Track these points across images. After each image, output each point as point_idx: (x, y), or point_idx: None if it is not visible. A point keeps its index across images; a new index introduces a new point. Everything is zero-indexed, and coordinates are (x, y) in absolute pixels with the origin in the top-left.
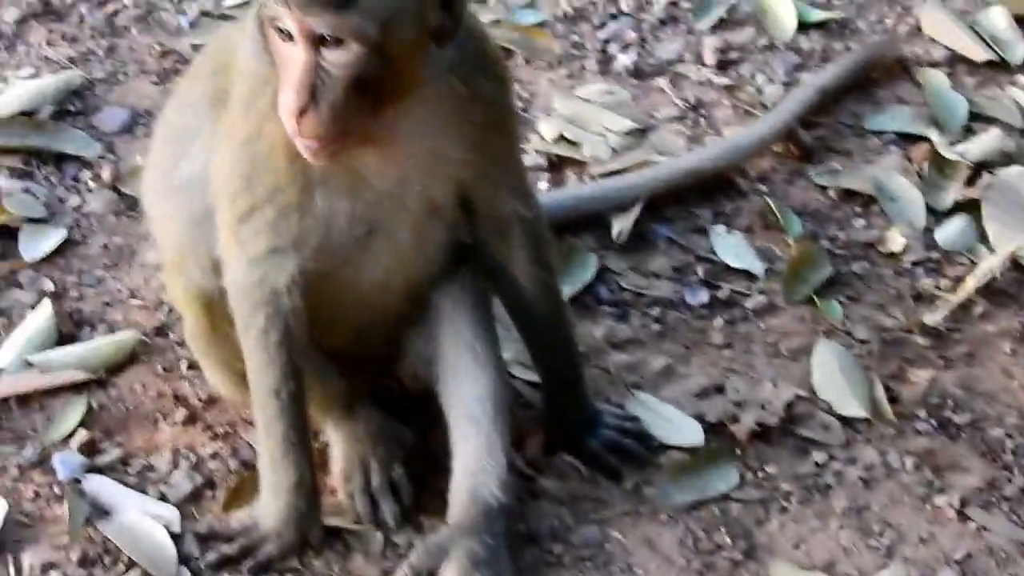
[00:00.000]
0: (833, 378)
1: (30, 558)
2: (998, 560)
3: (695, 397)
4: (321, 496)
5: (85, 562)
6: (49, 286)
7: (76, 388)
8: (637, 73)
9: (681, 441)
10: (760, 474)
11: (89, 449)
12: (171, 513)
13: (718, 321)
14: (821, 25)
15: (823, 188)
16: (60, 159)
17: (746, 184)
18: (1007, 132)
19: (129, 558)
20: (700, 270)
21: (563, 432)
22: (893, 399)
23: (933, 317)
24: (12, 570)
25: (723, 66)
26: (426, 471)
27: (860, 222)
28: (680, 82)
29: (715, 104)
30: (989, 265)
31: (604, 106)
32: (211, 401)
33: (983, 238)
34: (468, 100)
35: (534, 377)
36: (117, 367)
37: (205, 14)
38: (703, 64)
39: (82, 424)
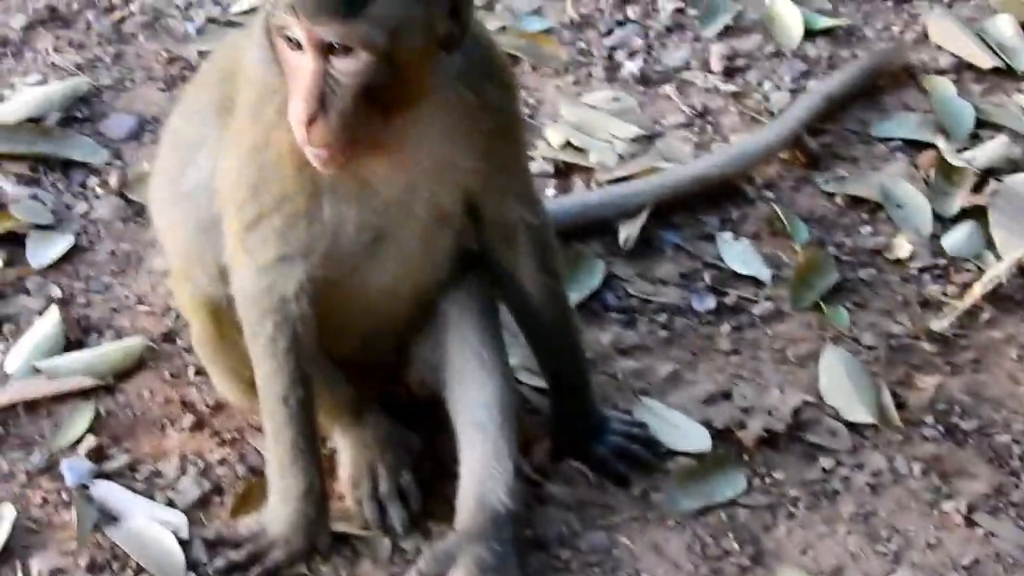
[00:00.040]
0: (840, 384)
1: (38, 564)
2: (1005, 566)
3: (702, 403)
4: (329, 502)
5: (93, 568)
6: (56, 292)
7: (84, 394)
8: (644, 80)
9: (688, 447)
10: (767, 480)
11: (97, 455)
12: (179, 519)
13: (725, 327)
14: (828, 32)
15: (830, 195)
16: (67, 166)
17: (753, 191)
18: (1014, 139)
19: (137, 564)
20: (707, 277)
21: (570, 438)
22: (900, 405)
23: (940, 323)
24: None
25: (730, 73)
26: (434, 477)
27: (867, 229)
28: (687, 89)
29: (722, 111)
30: (996, 271)
31: (611, 113)
32: (219, 407)
33: (990, 245)
34: (476, 107)
35: (541, 383)
36: (125, 373)
37: (212, 21)
38: (710, 71)
39: (90, 430)
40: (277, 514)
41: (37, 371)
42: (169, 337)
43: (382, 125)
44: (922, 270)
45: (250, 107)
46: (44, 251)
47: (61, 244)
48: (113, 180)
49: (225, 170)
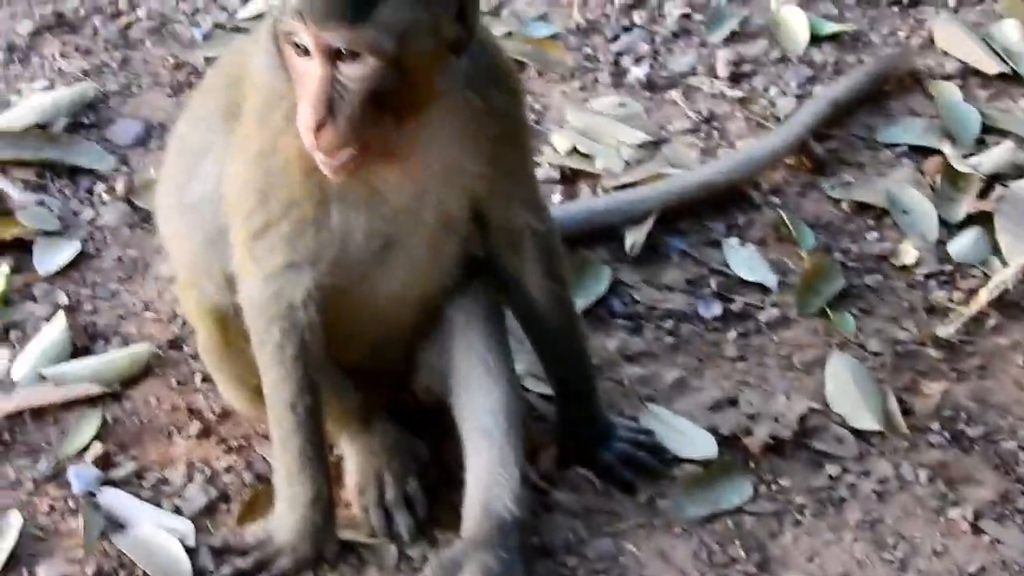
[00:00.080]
0: (846, 391)
1: (45, 572)
2: (1011, 573)
3: (708, 410)
4: (336, 510)
5: (100, 575)
6: (63, 299)
7: (91, 401)
8: (650, 86)
9: (695, 454)
10: (774, 487)
11: (104, 462)
12: (185, 526)
13: (731, 334)
14: (834, 38)
15: (836, 201)
16: (74, 172)
17: (759, 197)
18: (1020, 144)
19: (144, 572)
20: (713, 283)
21: (577, 445)
22: (906, 412)
23: (946, 330)
24: None
25: (736, 79)
26: (440, 484)
27: (873, 235)
28: (693, 95)
29: (728, 117)
30: (1002, 277)
31: (617, 119)
32: (225, 414)
33: (996, 250)
34: (483, 113)
35: (548, 390)
36: (131, 380)
37: (219, 26)
38: (716, 77)
39: (97, 437)
40: (284, 521)
41: (44, 378)
42: (176, 344)
43: (391, 130)
44: (928, 276)
45: (257, 113)
46: (51, 258)
47: (68, 251)
48: (120, 186)
49: (232, 177)
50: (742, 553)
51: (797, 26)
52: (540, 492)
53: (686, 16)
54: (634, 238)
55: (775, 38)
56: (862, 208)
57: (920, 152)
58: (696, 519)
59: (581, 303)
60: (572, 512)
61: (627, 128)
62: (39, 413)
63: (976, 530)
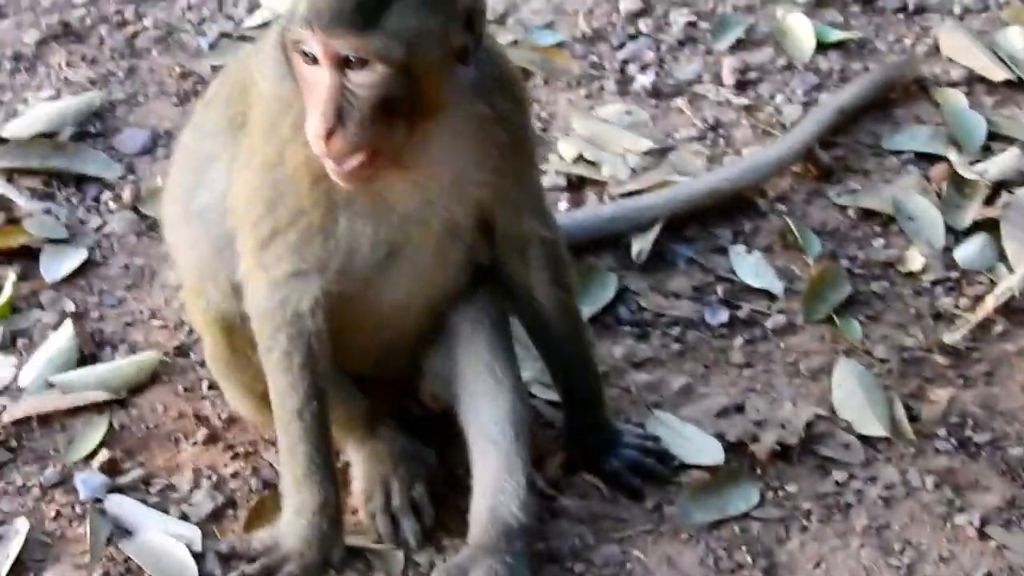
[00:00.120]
0: (853, 397)
1: None
2: None
3: (715, 416)
4: (343, 516)
5: None
6: (70, 307)
7: (98, 408)
8: (656, 93)
9: (701, 460)
10: (780, 493)
11: (111, 469)
12: (192, 532)
13: (738, 341)
14: (839, 45)
15: (842, 208)
16: (81, 180)
17: (765, 204)
18: None
19: None
20: (720, 290)
21: (583, 451)
22: (913, 418)
23: (952, 336)
24: None
25: (742, 86)
26: (447, 491)
27: (879, 241)
28: (699, 102)
29: (734, 124)
30: (1008, 284)
31: (623, 126)
32: (232, 421)
33: (1002, 257)
34: (489, 121)
35: (554, 396)
36: (138, 387)
37: (225, 35)
38: (722, 84)
39: (103, 444)
40: (291, 528)
41: (51, 385)
42: (182, 351)
43: (400, 138)
44: (935, 283)
45: (264, 122)
46: (58, 265)
47: (75, 258)
48: (126, 194)
49: (239, 186)
50: (749, 559)
51: (803, 34)
52: (547, 498)
53: (692, 24)
54: (640, 245)
55: (781, 46)
56: (868, 215)
57: (926, 159)
58: (703, 525)
59: (588, 310)
60: (579, 518)
61: (633, 136)
62: (46, 420)
63: (983, 536)
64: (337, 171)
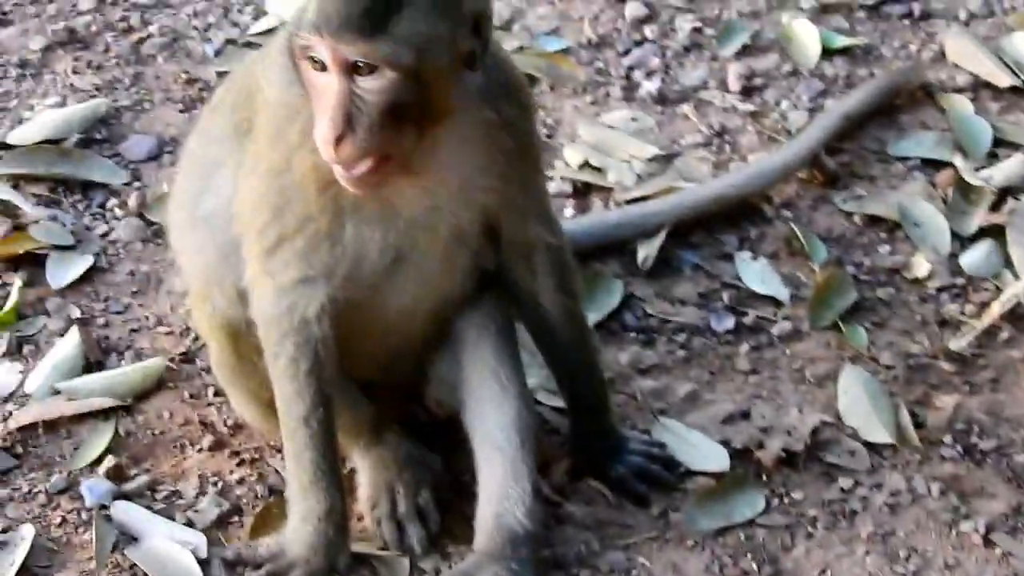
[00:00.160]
0: (859, 404)
1: None
2: None
3: (721, 423)
4: (349, 522)
5: None
6: (76, 313)
7: (103, 415)
8: (662, 99)
9: (707, 467)
10: (786, 500)
11: (116, 475)
12: (198, 539)
13: (744, 347)
14: (845, 51)
15: (848, 214)
16: (87, 187)
17: (771, 210)
18: None
19: None
20: (725, 296)
21: (589, 458)
22: (918, 425)
23: (958, 343)
24: None
25: (747, 92)
26: (453, 497)
27: (885, 248)
28: (704, 108)
29: (740, 130)
30: (1014, 291)
31: (629, 132)
32: (238, 427)
33: (1008, 263)
34: (496, 127)
35: (560, 403)
36: (144, 394)
37: (230, 42)
38: (727, 90)
39: (109, 451)
40: (297, 534)
41: (57, 392)
42: (188, 357)
43: (408, 143)
44: (940, 289)
45: (271, 129)
46: (64, 272)
47: (81, 265)
48: (132, 201)
49: (245, 192)
50: (754, 566)
51: (808, 40)
52: (552, 505)
53: (697, 30)
54: (646, 251)
55: (786, 52)
56: (874, 221)
57: (932, 165)
58: (708, 532)
59: (593, 316)
60: (584, 525)
61: (639, 142)
62: (52, 426)
63: (988, 543)
64: (346, 177)
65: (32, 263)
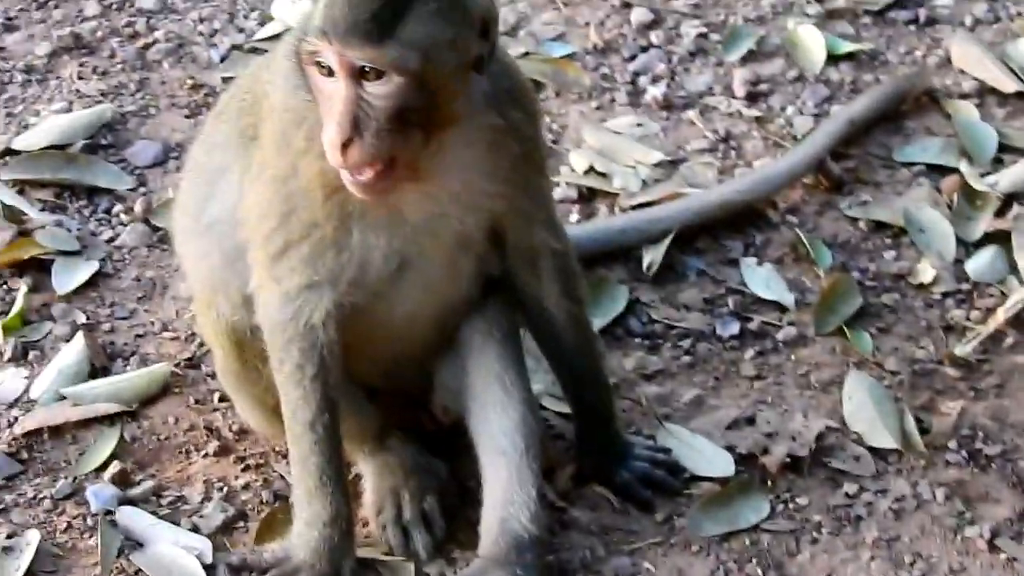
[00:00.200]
0: (864, 409)
1: None
2: None
3: (726, 428)
4: (355, 528)
5: None
6: (82, 319)
7: (109, 420)
8: (667, 105)
9: (712, 472)
10: (791, 505)
11: (122, 481)
12: (203, 544)
13: (749, 353)
14: (850, 57)
15: (853, 220)
16: (92, 192)
17: (776, 216)
18: None
19: None
20: (731, 302)
21: (594, 463)
22: (924, 430)
23: (963, 348)
24: None
25: (753, 98)
26: (458, 502)
27: (890, 253)
28: (710, 114)
29: (745, 136)
30: (1019, 296)
31: (634, 138)
32: (243, 433)
33: (1013, 269)
34: (502, 133)
35: (565, 408)
36: (150, 399)
37: (236, 48)
38: (733, 96)
39: (115, 456)
40: (302, 539)
41: (62, 397)
42: (193, 363)
43: (415, 148)
44: (945, 295)
45: (276, 134)
46: (69, 277)
47: (86, 270)
48: (138, 207)
49: (251, 198)
50: (759, 571)
51: (814, 45)
52: (557, 510)
53: (703, 36)
54: (651, 257)
55: (792, 57)
56: (879, 227)
57: (937, 171)
58: (713, 537)
59: (598, 322)
60: (589, 530)
61: (644, 147)
62: (58, 431)
63: (993, 548)
64: (353, 183)
65: (38, 269)
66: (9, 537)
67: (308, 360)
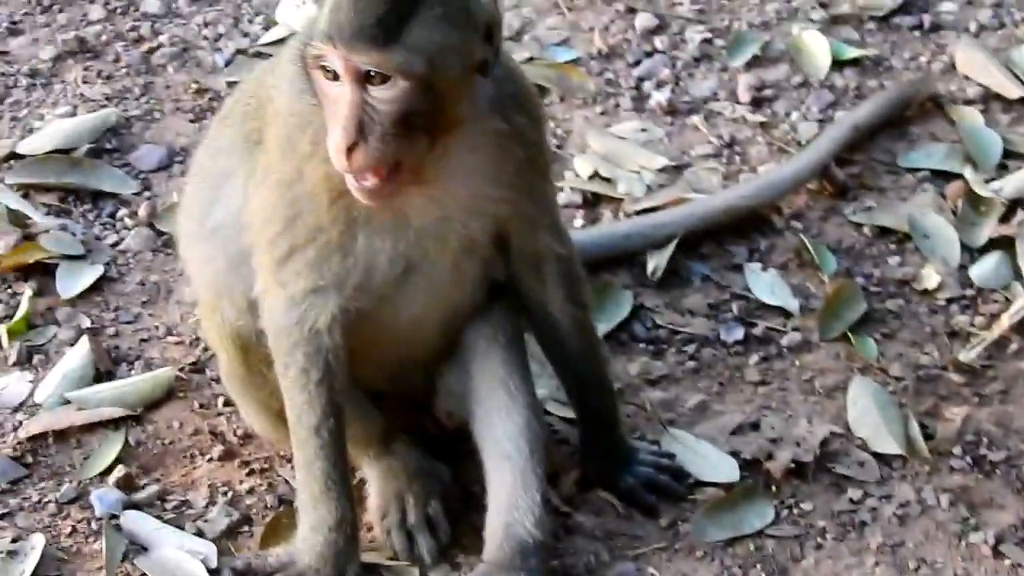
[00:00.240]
0: (868, 415)
1: None
2: None
3: (730, 434)
4: (359, 532)
5: None
6: (86, 323)
7: (113, 424)
8: (671, 110)
9: (716, 478)
10: (795, 511)
11: (126, 485)
12: (208, 549)
13: (753, 358)
14: (855, 62)
15: (858, 225)
16: (97, 197)
17: (781, 221)
18: None
19: None
20: (735, 307)
21: (598, 468)
22: (928, 436)
23: (968, 354)
24: None
25: (757, 103)
26: (462, 507)
27: (895, 259)
28: (714, 119)
29: (749, 141)
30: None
31: (639, 143)
32: (247, 437)
33: (1017, 275)
34: (506, 137)
35: (569, 413)
36: (154, 403)
37: (240, 52)
38: (737, 101)
39: (119, 460)
40: (307, 544)
41: (67, 401)
42: (198, 367)
43: (421, 153)
44: (950, 301)
45: (281, 139)
46: (74, 282)
47: (91, 275)
48: (142, 211)
49: (255, 203)
50: None
51: (818, 51)
52: (562, 515)
53: (707, 41)
54: (656, 262)
55: (796, 63)
56: (884, 233)
57: (942, 177)
58: (718, 542)
59: (603, 327)
60: (594, 535)
61: (649, 153)
62: (62, 436)
63: (997, 554)
64: (358, 187)
65: (42, 273)
66: (14, 541)
67: (313, 365)
